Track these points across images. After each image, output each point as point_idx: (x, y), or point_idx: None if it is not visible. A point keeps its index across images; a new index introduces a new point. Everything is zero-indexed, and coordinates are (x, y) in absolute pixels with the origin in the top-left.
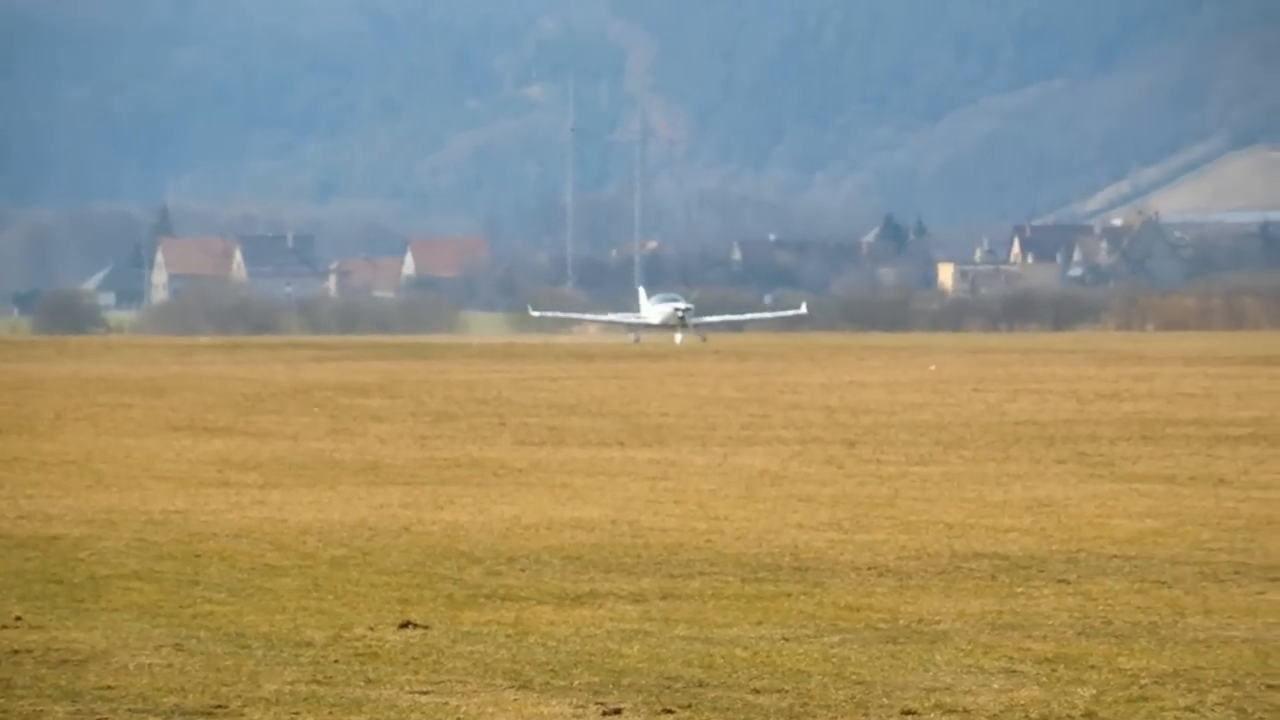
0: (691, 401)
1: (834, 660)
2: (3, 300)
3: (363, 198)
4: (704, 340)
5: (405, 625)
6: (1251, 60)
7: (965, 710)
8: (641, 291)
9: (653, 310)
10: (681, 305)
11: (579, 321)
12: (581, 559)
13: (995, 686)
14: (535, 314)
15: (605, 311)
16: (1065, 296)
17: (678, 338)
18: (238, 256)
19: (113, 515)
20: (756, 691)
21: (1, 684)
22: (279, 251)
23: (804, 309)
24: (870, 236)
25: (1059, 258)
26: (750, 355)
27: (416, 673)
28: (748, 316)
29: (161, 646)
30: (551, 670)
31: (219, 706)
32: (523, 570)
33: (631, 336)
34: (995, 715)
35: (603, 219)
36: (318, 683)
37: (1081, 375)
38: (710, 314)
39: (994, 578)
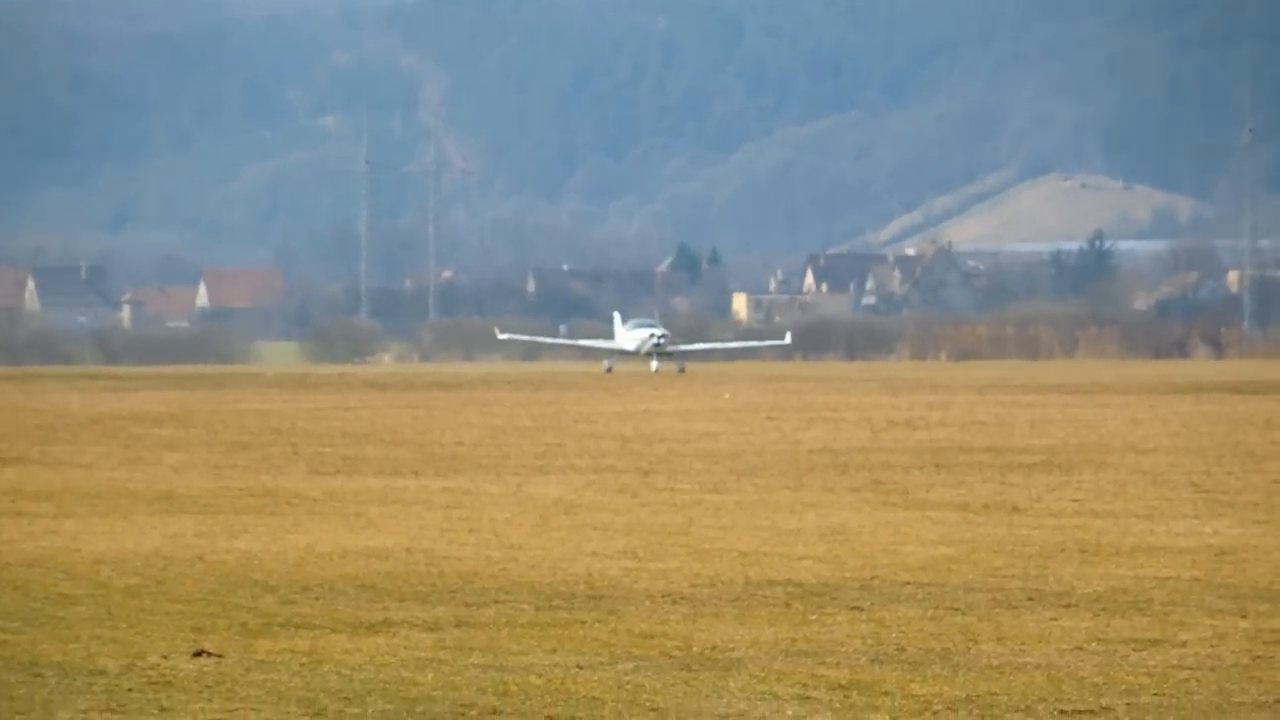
0: (486, 431)
1: (628, 688)
2: None
3: (156, 228)
4: (681, 370)
5: (199, 654)
6: (1042, 92)
7: None
8: (617, 317)
9: (627, 337)
10: (658, 332)
11: (547, 346)
12: (376, 588)
13: (789, 713)
14: (503, 337)
15: (576, 337)
16: (859, 325)
17: (653, 365)
18: (30, 287)
19: None
20: (550, 718)
21: None
22: (72, 282)
23: (788, 339)
24: (664, 266)
25: (853, 287)
26: (551, 388)
27: (210, 701)
28: (727, 345)
29: None
30: (345, 698)
31: None
32: (317, 599)
33: (604, 364)
34: None
35: (397, 249)
36: (111, 711)
37: (875, 404)
38: (689, 342)
39: (788, 605)
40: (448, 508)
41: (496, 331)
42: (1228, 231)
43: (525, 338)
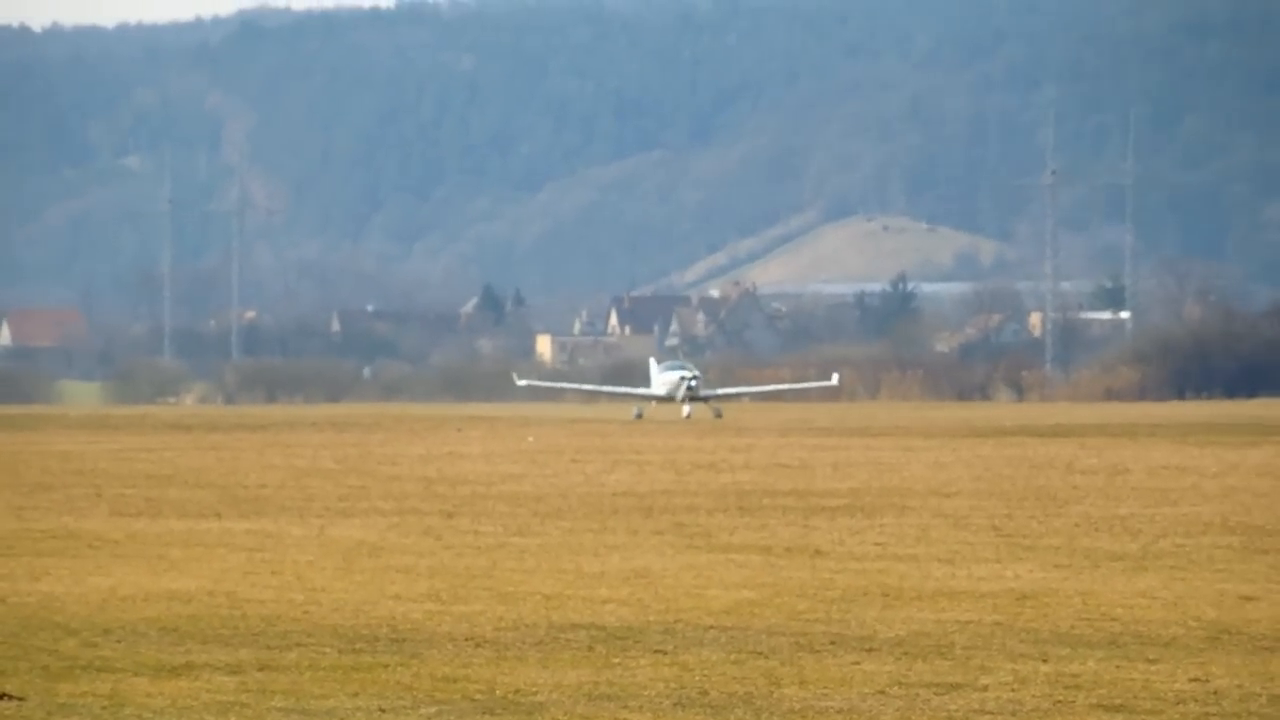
0: (290, 473)
1: None
2: None
3: None
4: (718, 415)
5: (0, 697)
6: (845, 133)
7: None
8: (652, 361)
9: (658, 380)
10: (689, 374)
11: (569, 391)
12: (178, 630)
13: None
14: (522, 383)
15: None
16: None
17: (685, 410)
18: None
19: None
20: None
21: None
22: None
23: (835, 380)
24: (469, 307)
25: (657, 329)
26: (355, 429)
27: None
28: (769, 388)
29: None
30: None
31: None
32: (119, 642)
33: (634, 411)
34: None
35: (201, 289)
36: None
37: (679, 446)
38: (729, 385)
39: (591, 648)
40: (250, 550)
41: (515, 377)
42: (1029, 273)
43: (546, 384)
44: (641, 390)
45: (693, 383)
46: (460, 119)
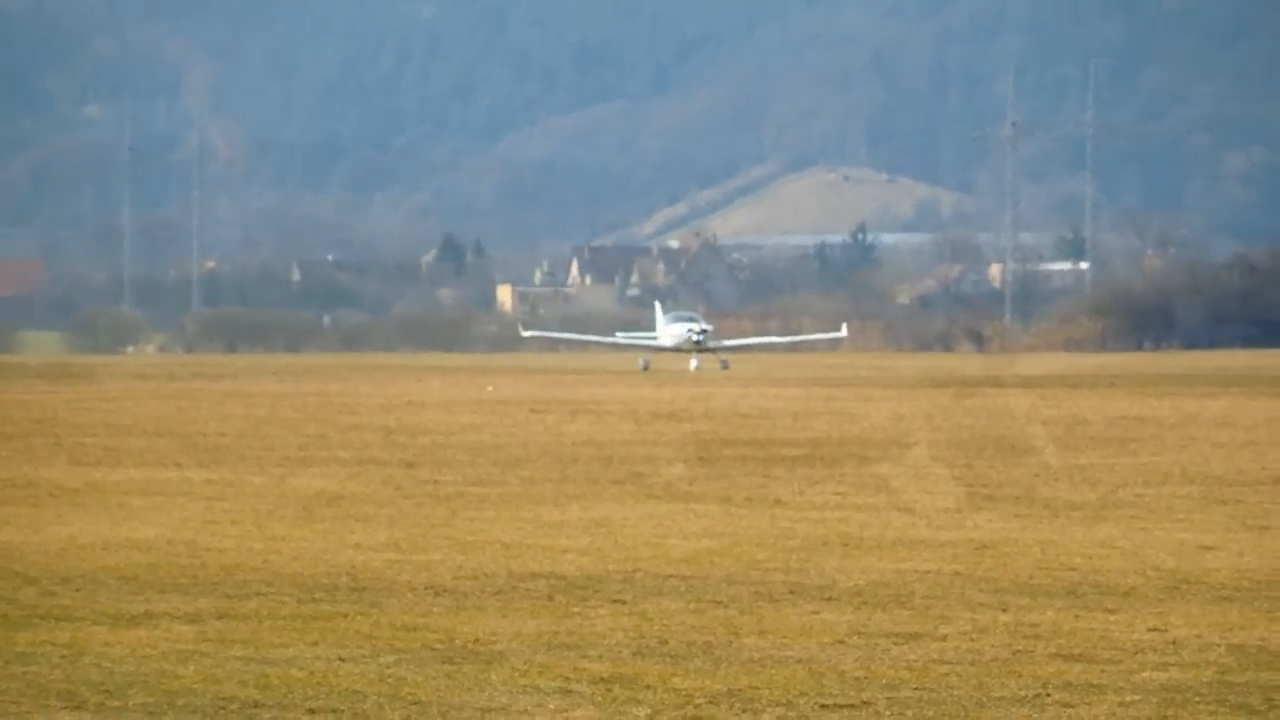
0: (249, 422)
1: (390, 680)
2: None
3: None
4: (724, 367)
5: None
6: (807, 83)
7: None
8: (658, 307)
9: (664, 332)
10: (696, 327)
11: (575, 342)
12: (137, 579)
13: (551, 706)
14: (527, 334)
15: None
16: (624, 318)
17: (692, 363)
18: None
19: None
20: (312, 712)
21: None
22: None
23: (844, 331)
24: (429, 257)
25: (618, 279)
26: (314, 379)
27: None
28: (775, 340)
29: None
30: (106, 691)
31: None
32: (78, 591)
33: (640, 362)
34: None
35: (161, 238)
36: None
37: (639, 396)
38: (733, 337)
39: (550, 598)
40: (210, 499)
41: (520, 328)
42: (989, 224)
43: (551, 334)
44: (647, 340)
45: (700, 336)
46: (421, 69)
